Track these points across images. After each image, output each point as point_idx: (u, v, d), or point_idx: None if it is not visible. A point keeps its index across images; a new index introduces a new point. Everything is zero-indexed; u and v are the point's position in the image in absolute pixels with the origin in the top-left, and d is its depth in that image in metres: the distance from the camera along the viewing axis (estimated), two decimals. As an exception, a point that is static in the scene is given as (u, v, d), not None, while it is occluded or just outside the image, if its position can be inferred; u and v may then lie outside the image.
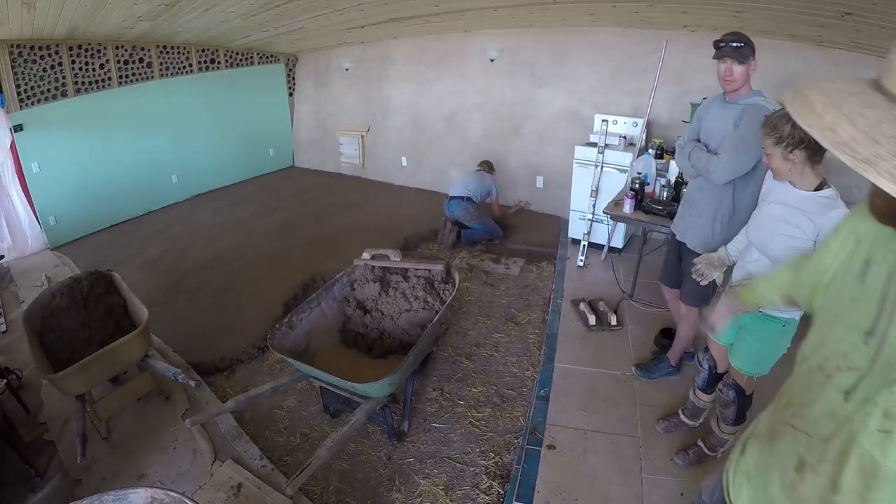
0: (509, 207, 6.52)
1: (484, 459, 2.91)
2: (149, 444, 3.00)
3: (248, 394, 2.81)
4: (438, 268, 3.55)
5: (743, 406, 2.69)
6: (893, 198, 0.70)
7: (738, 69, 2.80)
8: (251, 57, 8.14)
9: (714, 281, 2.71)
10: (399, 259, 3.60)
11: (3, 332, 4.14)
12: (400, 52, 7.42)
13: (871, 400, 0.96)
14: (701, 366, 2.87)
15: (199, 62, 7.38)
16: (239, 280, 4.93)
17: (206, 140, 7.89)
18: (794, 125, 2.05)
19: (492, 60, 6.72)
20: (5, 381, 3.04)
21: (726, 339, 2.68)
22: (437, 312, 3.20)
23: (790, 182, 2.24)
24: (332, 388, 2.78)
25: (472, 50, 6.81)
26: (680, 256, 3.23)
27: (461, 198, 5.67)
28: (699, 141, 3.19)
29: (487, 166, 6.30)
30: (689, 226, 3.18)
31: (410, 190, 7.93)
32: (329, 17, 5.63)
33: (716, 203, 3.00)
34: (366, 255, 3.61)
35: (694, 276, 2.65)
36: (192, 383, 3.01)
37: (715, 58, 2.86)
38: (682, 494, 2.74)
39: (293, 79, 9.06)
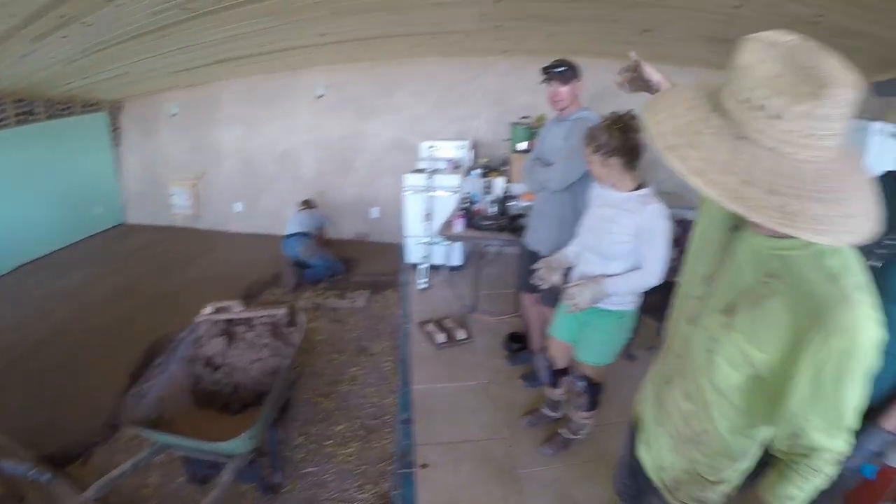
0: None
1: (362, 493, 2.94)
2: (9, 558, 2.69)
3: (108, 477, 2.59)
4: (281, 312, 3.54)
5: (594, 394, 2.92)
6: None
7: (563, 90, 3.15)
8: (72, 106, 7.26)
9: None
10: (241, 309, 3.54)
11: None
12: (228, 93, 7.22)
13: (703, 324, 1.29)
14: (540, 366, 3.11)
15: (16, 114, 6.48)
16: (79, 356, 4.47)
17: (27, 202, 6.94)
18: (610, 135, 2.35)
19: (320, 97, 6.82)
20: None
21: (568, 336, 2.91)
22: (286, 357, 3.21)
23: (611, 186, 2.52)
24: (194, 454, 2.68)
25: (300, 87, 6.85)
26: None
27: (298, 234, 5.66)
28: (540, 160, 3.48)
29: (308, 204, 6.35)
30: (541, 236, 3.44)
31: (248, 236, 7.70)
32: (153, 60, 5.42)
33: (560, 211, 3.28)
34: (207, 310, 3.51)
35: (534, 281, 2.83)
36: (46, 478, 2.81)
37: (542, 82, 3.18)
38: (557, 479, 2.97)
39: (118, 128, 8.22)
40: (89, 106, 7.54)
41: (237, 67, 6.34)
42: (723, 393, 1.28)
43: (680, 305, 1.48)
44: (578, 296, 2.46)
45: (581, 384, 2.87)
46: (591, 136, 2.44)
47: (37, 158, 7.00)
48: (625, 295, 2.59)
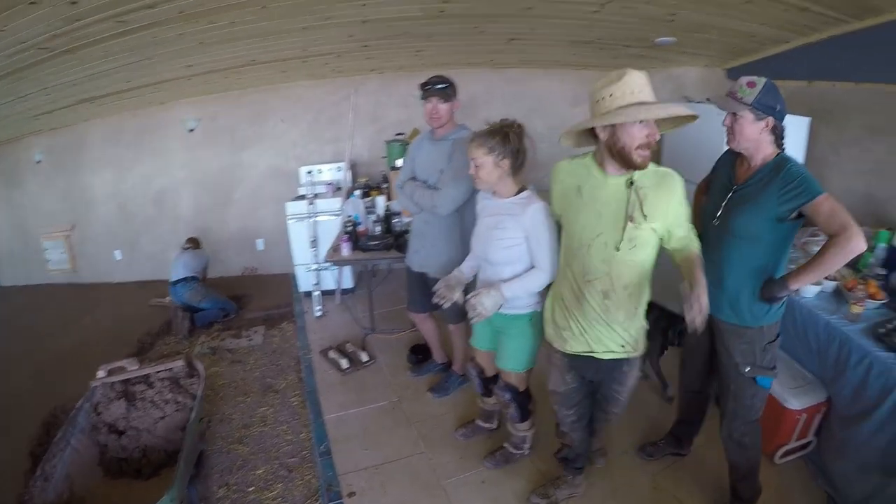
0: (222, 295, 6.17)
1: (295, 533, 2.92)
2: None
3: None
4: (179, 364, 3.44)
5: (523, 402, 2.98)
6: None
7: (443, 107, 3.19)
8: None
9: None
10: (137, 367, 3.42)
11: None
12: (95, 134, 6.68)
13: (620, 243, 2.13)
14: (471, 375, 3.15)
15: None
16: None
17: None
18: (504, 138, 2.51)
19: (191, 130, 6.54)
20: None
21: (489, 345, 2.99)
22: (191, 410, 3.14)
23: (494, 193, 2.66)
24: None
25: (170, 122, 6.52)
26: (426, 283, 3.42)
27: (185, 279, 5.45)
28: (416, 179, 3.46)
29: (194, 243, 6.12)
30: (425, 258, 3.47)
31: (132, 285, 7.13)
32: (12, 105, 5.09)
33: (446, 231, 3.34)
34: (101, 374, 3.36)
35: (436, 301, 2.84)
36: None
37: (422, 98, 3.18)
38: (483, 482, 3.12)
39: None
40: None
41: (103, 106, 6.01)
42: (643, 265, 2.22)
43: (584, 249, 2.24)
44: (479, 305, 2.53)
45: (507, 395, 2.92)
46: (482, 140, 2.53)
47: None
48: (525, 296, 2.68)
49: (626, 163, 2.06)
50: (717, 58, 5.61)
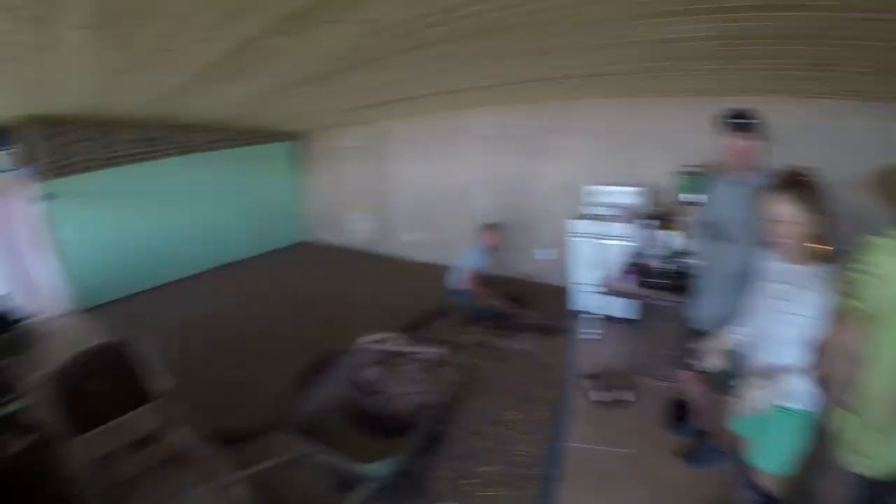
0: (496, 295, 5.71)
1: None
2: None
3: (254, 468, 2.88)
4: (434, 352, 3.57)
5: None
6: None
7: (756, 146, 2.71)
8: (261, 135, 8.73)
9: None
10: (401, 342, 3.61)
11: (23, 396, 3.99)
12: (400, 132, 8.05)
13: None
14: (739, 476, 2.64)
15: (210, 141, 7.91)
16: (252, 355, 4.95)
17: (221, 215, 8.39)
18: (811, 192, 2.07)
19: (486, 136, 7.04)
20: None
21: (743, 430, 2.50)
22: (440, 395, 3.20)
23: (782, 258, 2.24)
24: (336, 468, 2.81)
25: (467, 127, 7.21)
26: None
27: (458, 291, 5.49)
28: (711, 224, 2.99)
29: (487, 229, 5.86)
30: (715, 316, 2.84)
31: (421, 265, 7.93)
32: (326, 101, 6.18)
33: (741, 291, 2.71)
34: (371, 338, 3.63)
35: (691, 360, 2.58)
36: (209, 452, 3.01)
37: (732, 132, 2.72)
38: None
39: (304, 156, 9.72)
40: (276, 136, 9.05)
41: (408, 107, 6.85)
42: None
43: None
44: (761, 399, 2.14)
45: (756, 499, 2.45)
46: (796, 189, 2.09)
47: (231, 178, 8.48)
48: (803, 389, 2.18)
49: None
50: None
